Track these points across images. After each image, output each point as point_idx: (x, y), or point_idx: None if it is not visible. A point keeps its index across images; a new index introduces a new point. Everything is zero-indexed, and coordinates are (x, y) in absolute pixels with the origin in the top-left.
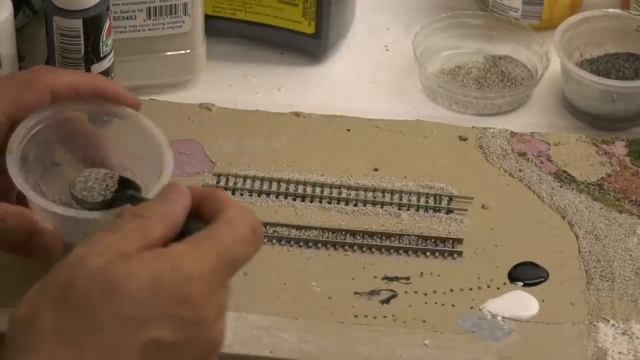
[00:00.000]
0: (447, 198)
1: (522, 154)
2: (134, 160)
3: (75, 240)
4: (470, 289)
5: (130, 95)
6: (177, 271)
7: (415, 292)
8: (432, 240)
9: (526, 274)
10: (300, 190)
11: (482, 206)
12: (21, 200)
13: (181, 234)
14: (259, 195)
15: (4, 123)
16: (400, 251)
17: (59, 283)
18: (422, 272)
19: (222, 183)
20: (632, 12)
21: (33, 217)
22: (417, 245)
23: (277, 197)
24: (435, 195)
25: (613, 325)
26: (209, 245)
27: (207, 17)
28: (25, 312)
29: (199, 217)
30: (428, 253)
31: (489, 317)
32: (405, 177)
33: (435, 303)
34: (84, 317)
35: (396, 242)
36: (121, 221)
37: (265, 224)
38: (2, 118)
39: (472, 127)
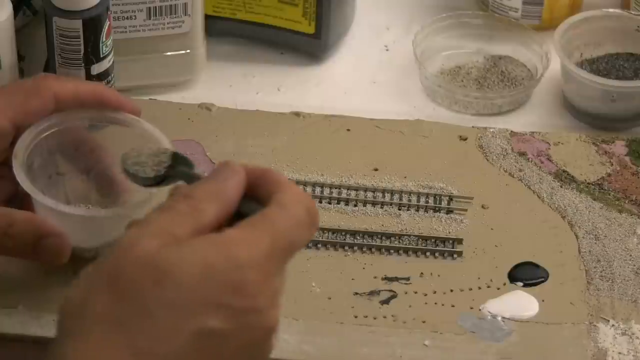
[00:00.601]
0: (447, 198)
1: (522, 154)
2: None
3: (84, 242)
4: (470, 289)
5: (131, 103)
6: (230, 259)
7: (415, 293)
8: (432, 240)
9: (526, 274)
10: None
11: (482, 206)
12: (27, 207)
13: (236, 214)
14: None
15: (10, 129)
16: (400, 251)
17: (110, 267)
18: (422, 273)
19: None
20: (632, 12)
21: (41, 221)
22: (417, 245)
23: None
24: (435, 195)
25: (613, 325)
26: (263, 231)
27: (207, 17)
28: (75, 296)
29: (253, 197)
30: (428, 253)
31: (489, 317)
32: (405, 177)
33: (435, 303)
34: (133, 303)
35: (396, 242)
36: (172, 202)
37: None
38: (8, 125)
39: (472, 127)
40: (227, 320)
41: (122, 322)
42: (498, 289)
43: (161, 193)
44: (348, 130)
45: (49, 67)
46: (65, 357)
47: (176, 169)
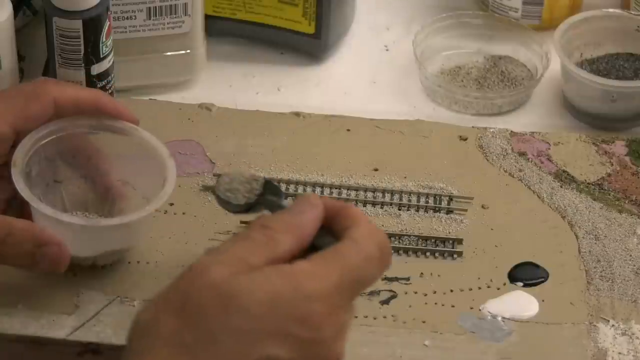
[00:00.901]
0: (447, 198)
1: (522, 154)
2: (134, 174)
3: (82, 251)
4: (470, 289)
5: (129, 112)
6: (298, 290)
7: (415, 293)
8: (432, 240)
9: (526, 274)
10: (300, 190)
11: (482, 206)
12: (27, 210)
13: (311, 246)
14: None
15: (10, 134)
16: (400, 251)
17: (181, 291)
18: (422, 273)
19: None
20: (632, 12)
21: (40, 230)
22: (417, 245)
23: None
24: (435, 196)
25: (613, 325)
26: (333, 265)
27: (207, 17)
28: (145, 317)
29: (330, 230)
30: (428, 253)
31: (489, 317)
32: (405, 177)
33: (435, 303)
34: (200, 327)
35: (396, 242)
36: (249, 232)
37: None
38: (8, 129)
39: (472, 127)
40: (291, 350)
41: (187, 345)
42: (498, 289)
43: (158, 202)
44: (348, 130)
45: (49, 67)
46: None
47: (265, 197)
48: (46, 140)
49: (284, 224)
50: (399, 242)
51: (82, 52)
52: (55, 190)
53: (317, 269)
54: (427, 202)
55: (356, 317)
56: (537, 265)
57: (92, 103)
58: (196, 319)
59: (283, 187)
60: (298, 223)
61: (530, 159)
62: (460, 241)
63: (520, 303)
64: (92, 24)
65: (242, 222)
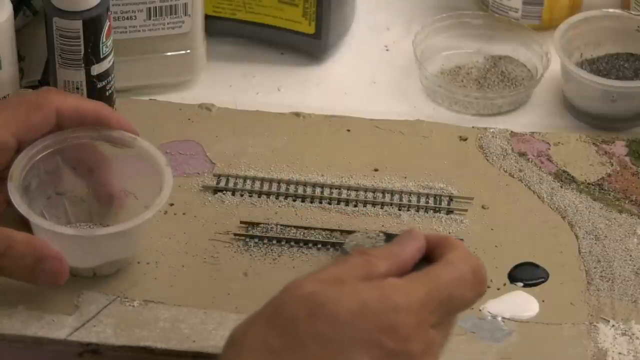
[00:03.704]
0: (447, 198)
1: (522, 154)
2: (135, 184)
3: (82, 262)
4: None
5: (129, 124)
6: (385, 300)
7: None
8: None
9: (526, 275)
10: (300, 190)
11: (482, 206)
12: (29, 230)
13: None
14: (259, 196)
15: (13, 144)
16: None
17: (274, 303)
18: None
19: (222, 184)
20: (632, 12)
21: (40, 244)
22: None
23: (277, 198)
24: (435, 196)
25: (613, 325)
26: (424, 281)
27: (207, 17)
28: (239, 328)
29: (431, 261)
30: None
31: (489, 317)
32: (405, 178)
33: None
34: (287, 334)
35: None
36: (349, 257)
37: (266, 225)
38: (11, 139)
39: (472, 127)
40: (377, 359)
41: (275, 351)
42: (498, 289)
43: (153, 210)
44: (348, 130)
45: (49, 67)
46: None
47: None
48: (44, 154)
49: (384, 252)
50: None
51: (82, 53)
52: (58, 202)
53: (406, 284)
54: (427, 202)
55: None
56: (537, 266)
57: (93, 114)
58: (284, 325)
59: (283, 187)
60: (397, 252)
61: (530, 159)
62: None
63: (521, 303)
64: (92, 24)
65: (242, 222)
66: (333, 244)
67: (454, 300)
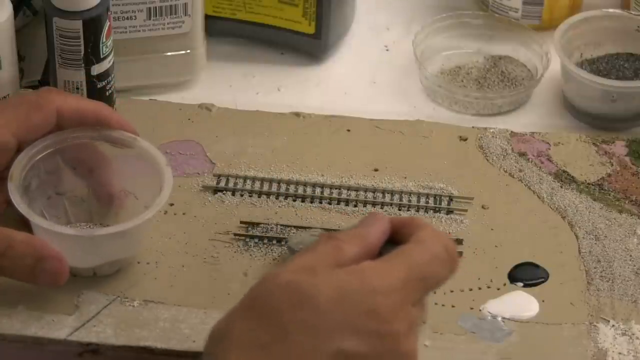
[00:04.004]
0: (447, 198)
1: (522, 154)
2: (135, 184)
3: (82, 262)
4: (471, 290)
5: (129, 124)
6: (364, 284)
7: None
8: None
9: (526, 275)
10: (300, 190)
11: (482, 206)
12: (29, 230)
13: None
14: (259, 196)
15: (13, 143)
16: None
17: (252, 296)
18: None
19: (222, 184)
20: (632, 12)
21: (40, 244)
22: None
23: (277, 198)
24: (435, 196)
25: (613, 325)
26: (399, 262)
27: (207, 17)
28: (220, 322)
29: (398, 243)
30: None
31: (489, 317)
32: (405, 178)
33: (436, 304)
34: (272, 325)
35: None
36: (316, 244)
37: (266, 225)
38: (11, 139)
39: (472, 127)
40: (363, 343)
41: (261, 345)
42: (498, 289)
43: (153, 210)
44: (348, 130)
45: (49, 67)
46: None
47: None
48: (44, 154)
49: (350, 235)
50: None
51: (82, 53)
52: (58, 202)
53: (382, 265)
54: (427, 202)
55: None
56: (537, 266)
57: (93, 114)
58: (268, 317)
59: (283, 187)
60: (364, 234)
61: (530, 159)
62: (460, 241)
63: (521, 303)
64: (92, 24)
65: (242, 222)
66: None
67: (430, 278)
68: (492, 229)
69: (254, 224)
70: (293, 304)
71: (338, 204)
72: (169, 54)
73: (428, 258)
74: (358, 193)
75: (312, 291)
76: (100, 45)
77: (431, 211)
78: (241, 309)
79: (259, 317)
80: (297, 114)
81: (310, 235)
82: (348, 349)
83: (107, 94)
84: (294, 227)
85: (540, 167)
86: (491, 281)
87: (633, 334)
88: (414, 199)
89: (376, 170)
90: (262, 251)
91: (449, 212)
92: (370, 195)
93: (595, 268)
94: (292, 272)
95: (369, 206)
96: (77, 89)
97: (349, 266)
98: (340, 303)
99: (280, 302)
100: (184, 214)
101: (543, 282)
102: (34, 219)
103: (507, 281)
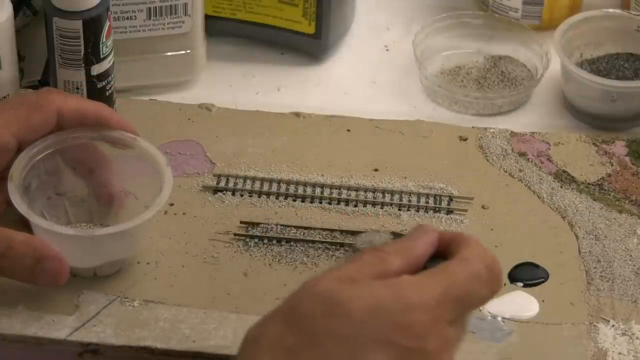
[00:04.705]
0: (447, 198)
1: (522, 154)
2: (135, 184)
3: (82, 262)
4: None
5: (130, 124)
6: (400, 299)
7: None
8: None
9: (526, 274)
10: (300, 190)
11: (482, 206)
12: (29, 230)
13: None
14: (259, 196)
15: (13, 144)
16: None
17: (289, 302)
18: None
19: (222, 184)
20: (632, 12)
21: (40, 244)
22: None
23: (277, 198)
24: (435, 196)
25: (613, 325)
26: (438, 278)
27: (207, 17)
28: (255, 327)
29: (444, 257)
30: None
31: (489, 317)
32: (405, 178)
33: None
34: (302, 332)
35: None
36: (362, 254)
37: (266, 225)
38: (11, 140)
39: (472, 127)
40: (393, 358)
41: (291, 350)
42: None
43: (153, 210)
44: (348, 130)
45: (49, 67)
46: None
47: None
48: (44, 154)
49: (396, 247)
50: None
51: (82, 53)
52: (58, 203)
53: (421, 281)
54: (427, 202)
55: None
56: (537, 266)
57: (93, 114)
58: (299, 323)
59: (283, 187)
60: (410, 247)
61: (530, 159)
62: None
63: (521, 303)
64: (92, 24)
65: (242, 222)
66: (333, 244)
67: (469, 297)
68: (492, 229)
69: (254, 224)
70: (325, 312)
71: (338, 204)
72: (169, 54)
73: (468, 277)
74: (358, 193)
75: (345, 301)
76: (100, 45)
77: (431, 211)
78: (276, 314)
79: (291, 322)
80: (297, 114)
81: (378, 236)
82: None
83: (107, 94)
84: (294, 227)
85: (540, 167)
86: None
87: (633, 334)
88: (414, 199)
89: (376, 170)
90: (262, 251)
91: (449, 212)
92: (370, 195)
93: (595, 268)
94: (332, 281)
95: (369, 206)
96: (77, 89)
97: (389, 278)
98: (373, 315)
99: (314, 309)
100: (184, 214)
101: (543, 282)
102: (34, 219)
103: (507, 281)
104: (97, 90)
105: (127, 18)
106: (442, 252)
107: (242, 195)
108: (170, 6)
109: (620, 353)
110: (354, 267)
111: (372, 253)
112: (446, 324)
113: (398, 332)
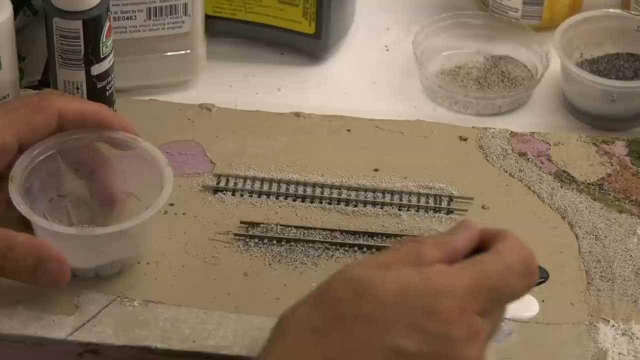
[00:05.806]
0: (447, 198)
1: (522, 154)
2: (137, 185)
3: (83, 262)
4: None
5: (131, 126)
6: (429, 284)
7: None
8: None
9: None
10: (300, 190)
11: (482, 206)
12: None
13: None
14: (259, 196)
15: (14, 146)
16: None
17: (321, 286)
18: None
19: (222, 184)
20: (632, 12)
21: (41, 245)
22: None
23: (277, 198)
24: (435, 196)
25: (613, 325)
26: (470, 268)
27: (207, 17)
28: (287, 311)
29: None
30: None
31: None
32: (405, 178)
33: None
34: (330, 313)
35: None
36: (400, 244)
37: (266, 225)
38: (12, 141)
39: (472, 127)
40: (418, 342)
41: (318, 330)
42: None
43: (153, 209)
44: (348, 130)
45: (48, 67)
46: (261, 358)
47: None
48: (45, 155)
49: (435, 241)
50: None
51: (82, 53)
52: (60, 204)
53: (452, 269)
54: (427, 202)
55: None
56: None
57: (94, 116)
58: (328, 305)
59: (283, 187)
60: (449, 241)
61: (530, 159)
62: None
63: (521, 303)
64: (92, 24)
65: (242, 222)
66: (333, 244)
67: (501, 290)
68: None
69: (254, 224)
70: (354, 295)
71: (338, 204)
72: (169, 54)
73: (501, 269)
74: (358, 193)
75: (375, 284)
76: (100, 45)
77: (431, 211)
78: (309, 297)
79: (320, 304)
80: (297, 114)
81: None
82: (401, 345)
83: (107, 94)
84: (294, 227)
85: (540, 167)
86: None
87: (633, 334)
88: (414, 199)
89: (376, 170)
90: (262, 251)
91: (449, 212)
92: (370, 195)
93: (595, 268)
94: (365, 267)
95: (369, 206)
96: (77, 89)
97: (422, 267)
98: (400, 299)
99: (343, 292)
100: (184, 214)
101: (543, 282)
102: (35, 219)
103: None
104: (97, 90)
105: (127, 18)
106: (483, 249)
107: (242, 195)
108: (170, 6)
109: (620, 353)
110: (390, 255)
111: (410, 244)
112: (475, 315)
113: (425, 316)
